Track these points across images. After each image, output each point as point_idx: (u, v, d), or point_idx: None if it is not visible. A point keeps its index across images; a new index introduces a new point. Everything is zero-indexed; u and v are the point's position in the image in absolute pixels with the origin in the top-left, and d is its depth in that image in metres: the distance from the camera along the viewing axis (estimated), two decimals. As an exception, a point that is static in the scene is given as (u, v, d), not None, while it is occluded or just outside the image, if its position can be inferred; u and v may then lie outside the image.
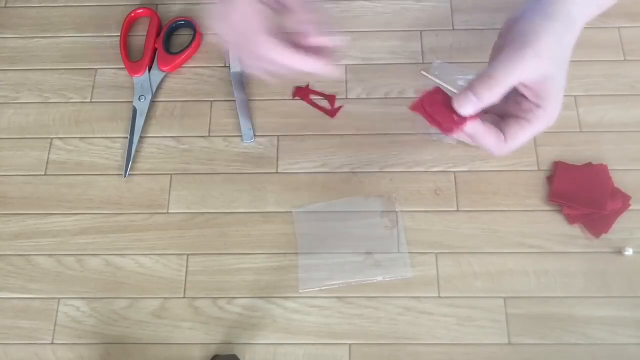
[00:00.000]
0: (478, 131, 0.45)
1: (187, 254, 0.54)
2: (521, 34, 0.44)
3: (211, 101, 0.61)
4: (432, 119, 0.45)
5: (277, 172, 0.57)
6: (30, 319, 0.53)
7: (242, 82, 0.61)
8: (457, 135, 0.45)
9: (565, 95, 0.45)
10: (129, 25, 0.64)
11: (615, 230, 0.53)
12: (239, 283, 0.53)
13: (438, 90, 0.46)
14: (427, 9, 0.64)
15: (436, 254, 0.53)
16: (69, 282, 0.54)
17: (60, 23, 0.65)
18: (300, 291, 0.53)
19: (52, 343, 0.52)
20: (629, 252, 0.52)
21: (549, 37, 0.43)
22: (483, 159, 0.56)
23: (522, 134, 0.46)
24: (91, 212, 0.56)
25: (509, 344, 0.50)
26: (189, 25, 0.63)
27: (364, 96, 0.60)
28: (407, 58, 0.62)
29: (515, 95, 0.46)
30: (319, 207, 0.56)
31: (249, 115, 0.59)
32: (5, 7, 0.66)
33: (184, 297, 0.53)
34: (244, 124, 0.59)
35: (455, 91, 0.55)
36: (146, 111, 0.60)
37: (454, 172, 0.56)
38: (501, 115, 0.48)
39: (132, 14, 0.64)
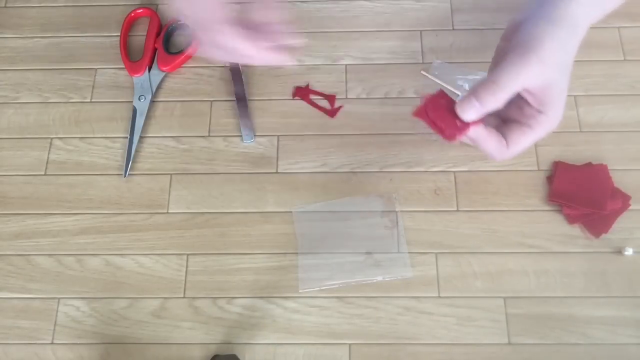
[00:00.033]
0: (480, 136, 0.45)
1: (187, 254, 0.54)
2: (525, 39, 0.44)
3: (211, 101, 0.61)
4: (435, 125, 0.45)
5: (277, 172, 0.57)
6: (30, 319, 0.53)
7: (242, 81, 0.61)
8: (459, 139, 0.45)
9: (565, 96, 0.45)
10: (129, 25, 0.64)
11: (615, 230, 0.53)
12: (239, 283, 0.53)
13: (442, 94, 0.46)
14: (427, 9, 0.64)
15: (436, 254, 0.54)
16: (69, 282, 0.54)
17: (60, 23, 0.65)
18: (300, 291, 0.53)
19: (52, 343, 0.52)
20: (629, 252, 0.52)
21: (552, 42, 0.43)
22: (483, 159, 0.56)
23: (523, 140, 0.46)
24: (91, 212, 0.56)
25: (509, 344, 0.50)
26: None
27: (364, 96, 0.60)
28: (407, 58, 0.62)
29: (517, 101, 0.46)
30: (319, 207, 0.56)
31: (249, 115, 0.59)
32: (5, 7, 0.66)
33: (184, 297, 0.53)
34: (244, 124, 0.59)
35: (455, 91, 0.56)
36: (146, 111, 0.60)
37: (454, 172, 0.56)
38: (503, 119, 0.48)
39: (132, 14, 0.64)
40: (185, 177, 0.57)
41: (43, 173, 0.58)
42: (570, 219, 0.54)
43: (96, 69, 0.63)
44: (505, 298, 0.52)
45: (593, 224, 0.53)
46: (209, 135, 0.59)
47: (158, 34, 0.63)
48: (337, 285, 0.53)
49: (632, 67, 0.60)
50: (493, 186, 0.56)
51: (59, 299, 0.53)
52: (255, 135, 0.59)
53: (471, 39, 0.62)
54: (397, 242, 0.54)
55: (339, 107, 0.60)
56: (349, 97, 0.60)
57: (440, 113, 0.45)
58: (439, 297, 0.52)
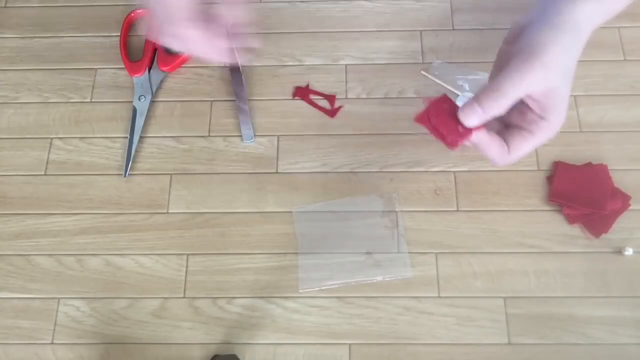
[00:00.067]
0: (483, 141, 0.45)
1: (187, 254, 0.54)
2: (528, 44, 0.43)
3: (211, 101, 0.61)
4: (436, 132, 0.45)
5: (277, 172, 0.57)
6: (30, 319, 0.53)
7: (242, 81, 0.61)
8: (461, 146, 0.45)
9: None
10: (129, 25, 0.64)
11: (615, 230, 0.53)
12: (239, 283, 0.53)
13: (444, 99, 0.46)
14: (427, 9, 0.64)
15: (436, 254, 0.54)
16: (69, 282, 0.54)
17: (60, 23, 0.65)
18: (300, 291, 0.53)
19: (52, 343, 0.52)
20: (629, 252, 0.52)
21: (556, 48, 0.43)
22: (483, 159, 0.56)
23: (525, 146, 0.46)
24: (91, 212, 0.56)
25: (509, 344, 0.50)
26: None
27: (364, 96, 0.60)
28: (407, 58, 0.62)
29: (519, 106, 0.45)
30: (319, 207, 0.56)
31: (249, 115, 0.59)
32: (5, 7, 0.66)
33: (184, 297, 0.53)
34: (244, 124, 0.59)
35: (455, 91, 0.56)
36: (146, 111, 0.60)
37: (454, 172, 0.56)
38: (504, 123, 0.48)
39: (132, 14, 0.64)
40: (185, 177, 0.57)
41: (43, 173, 0.58)
42: (570, 219, 0.54)
43: (96, 69, 0.63)
44: (505, 298, 0.52)
45: (593, 224, 0.53)
46: (209, 135, 0.59)
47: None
48: (337, 285, 0.53)
49: (632, 67, 0.60)
50: (493, 186, 0.56)
51: (59, 299, 0.53)
52: (255, 135, 0.59)
53: (471, 39, 0.62)
54: (397, 242, 0.54)
55: (339, 107, 0.60)
56: (349, 97, 0.60)
57: (442, 118, 0.45)
58: (439, 297, 0.52)
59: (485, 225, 0.54)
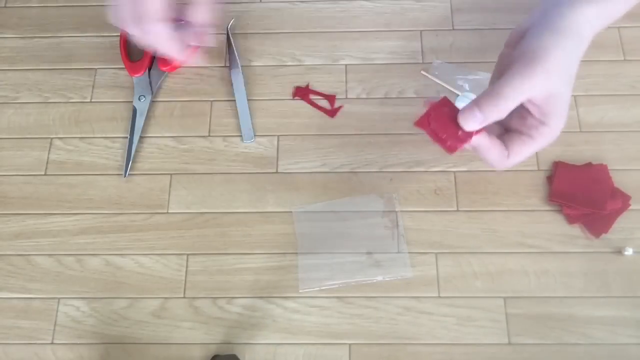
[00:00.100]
0: (483, 145, 0.45)
1: (187, 254, 0.54)
2: (530, 49, 0.43)
3: (211, 101, 0.61)
4: (436, 136, 0.45)
5: (277, 172, 0.57)
6: (30, 319, 0.53)
7: (242, 82, 0.61)
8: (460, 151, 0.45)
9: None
10: (129, 25, 0.64)
11: (615, 230, 0.53)
12: (239, 283, 0.53)
13: (445, 102, 0.46)
14: (427, 9, 0.64)
15: (436, 254, 0.54)
16: (69, 282, 0.54)
17: (60, 23, 0.65)
18: (300, 291, 0.53)
19: (52, 343, 0.52)
20: (629, 252, 0.52)
21: (558, 53, 0.43)
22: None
23: (524, 150, 0.46)
24: (91, 212, 0.56)
25: (509, 344, 0.50)
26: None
27: (364, 96, 0.60)
28: (407, 58, 0.62)
29: (520, 110, 0.45)
30: (319, 207, 0.56)
31: (249, 115, 0.59)
32: (5, 7, 0.66)
33: (184, 297, 0.53)
34: (244, 124, 0.59)
35: (455, 91, 0.56)
36: (146, 111, 0.60)
37: (454, 172, 0.56)
38: (504, 127, 0.48)
39: (132, 14, 0.64)
40: (185, 177, 0.57)
41: (43, 173, 0.58)
42: (570, 219, 0.54)
43: (96, 69, 0.63)
44: (505, 298, 0.52)
45: (593, 224, 0.53)
46: (209, 135, 0.59)
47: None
48: (337, 285, 0.53)
49: (632, 67, 0.60)
50: (493, 186, 0.56)
51: (59, 299, 0.53)
52: (255, 135, 0.59)
53: (471, 39, 0.62)
54: (397, 242, 0.54)
55: (339, 107, 0.60)
56: (349, 97, 0.60)
57: (442, 123, 0.45)
58: (439, 297, 0.52)
59: (485, 225, 0.54)
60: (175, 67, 0.62)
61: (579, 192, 0.54)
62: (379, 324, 0.51)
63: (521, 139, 0.46)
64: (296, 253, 0.54)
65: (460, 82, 0.59)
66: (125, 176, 0.57)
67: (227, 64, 0.62)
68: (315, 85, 0.61)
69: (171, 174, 0.58)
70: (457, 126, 0.44)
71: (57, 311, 0.53)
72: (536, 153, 0.56)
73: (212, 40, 0.56)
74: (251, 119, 0.59)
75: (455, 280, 0.53)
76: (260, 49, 0.63)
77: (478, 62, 0.60)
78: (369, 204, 0.55)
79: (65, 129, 0.60)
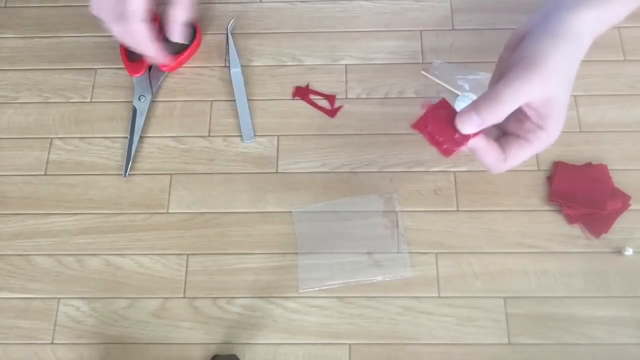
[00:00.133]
0: (480, 148, 0.45)
1: (187, 254, 0.54)
2: (529, 53, 0.43)
3: (211, 101, 0.61)
4: (433, 139, 0.45)
5: (277, 172, 0.57)
6: (30, 319, 0.53)
7: (242, 82, 0.61)
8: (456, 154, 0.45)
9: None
10: (129, 25, 0.64)
11: (615, 230, 0.53)
12: (239, 283, 0.53)
13: (443, 104, 0.46)
14: (427, 9, 0.64)
15: (436, 254, 0.54)
16: (69, 282, 0.54)
17: (60, 23, 0.65)
18: (300, 291, 0.53)
19: (52, 343, 0.52)
20: (629, 252, 0.52)
21: (557, 58, 0.43)
22: (483, 159, 0.56)
23: (521, 154, 0.46)
24: (91, 212, 0.56)
25: (509, 344, 0.50)
26: (189, 25, 0.63)
27: (364, 96, 0.60)
28: (407, 58, 0.62)
29: (518, 114, 0.45)
30: (319, 207, 0.56)
31: (249, 115, 0.59)
32: (5, 7, 0.66)
33: (184, 297, 0.53)
34: (244, 124, 0.59)
35: (455, 91, 0.56)
36: (146, 111, 0.60)
37: (454, 172, 0.56)
38: (502, 130, 0.48)
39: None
40: (185, 177, 0.57)
41: (43, 173, 0.58)
42: (570, 219, 0.54)
43: (96, 69, 0.63)
44: (505, 298, 0.52)
45: (593, 224, 0.53)
46: (209, 135, 0.59)
47: (158, 34, 0.62)
48: (337, 285, 0.53)
49: (632, 67, 0.60)
50: (493, 186, 0.56)
51: (59, 299, 0.53)
52: (255, 135, 0.59)
53: (471, 39, 0.62)
54: (397, 242, 0.54)
55: (339, 107, 0.60)
56: (349, 97, 0.60)
57: (439, 125, 0.45)
58: (439, 297, 0.52)
59: (485, 225, 0.54)
60: (175, 67, 0.62)
61: (579, 192, 0.54)
62: (379, 324, 0.51)
63: (518, 143, 0.46)
64: (296, 253, 0.54)
65: (460, 82, 0.59)
66: (125, 176, 0.57)
67: (227, 64, 0.62)
68: (315, 85, 0.61)
69: (171, 174, 0.58)
70: (454, 129, 0.44)
71: (57, 311, 0.53)
72: (536, 154, 0.56)
73: (187, 37, 0.60)
74: (251, 119, 0.59)
75: (455, 280, 0.53)
76: (260, 49, 0.63)
77: (478, 62, 0.60)
78: (369, 204, 0.55)
79: (65, 129, 0.60)
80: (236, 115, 0.59)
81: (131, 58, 0.62)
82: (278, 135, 0.59)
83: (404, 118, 0.58)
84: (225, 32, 0.63)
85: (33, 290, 0.54)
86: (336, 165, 0.57)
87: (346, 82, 0.61)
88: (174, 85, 0.62)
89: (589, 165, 0.56)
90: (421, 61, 0.61)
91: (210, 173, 0.57)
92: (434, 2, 0.64)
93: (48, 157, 0.59)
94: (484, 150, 0.45)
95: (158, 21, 0.63)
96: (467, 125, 0.44)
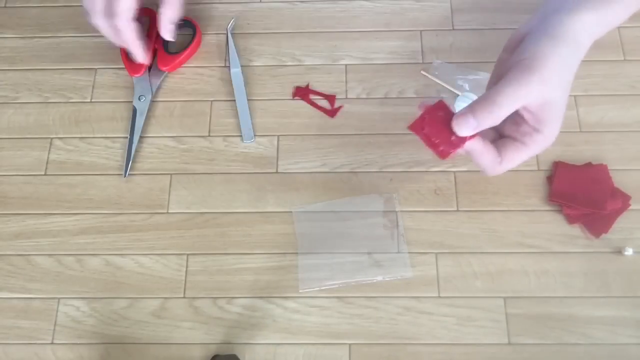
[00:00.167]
0: (476, 150, 0.45)
1: (187, 254, 0.54)
2: (527, 56, 0.43)
3: (211, 101, 0.61)
4: (429, 141, 0.45)
5: (277, 172, 0.57)
6: (30, 319, 0.53)
7: (242, 82, 0.61)
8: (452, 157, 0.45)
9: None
10: (129, 25, 0.64)
11: (615, 230, 0.53)
12: (239, 283, 0.53)
13: (441, 106, 0.46)
14: (427, 9, 0.64)
15: (436, 254, 0.54)
16: (69, 282, 0.54)
17: (60, 23, 0.65)
18: (300, 291, 0.53)
19: (52, 343, 0.52)
20: (629, 252, 0.52)
21: (555, 61, 0.42)
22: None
23: (517, 157, 0.46)
24: (91, 212, 0.56)
25: (509, 344, 0.50)
26: (189, 25, 0.63)
27: (364, 96, 0.60)
28: (407, 58, 0.62)
29: (514, 117, 0.45)
30: (319, 207, 0.56)
31: (249, 115, 0.59)
32: (5, 7, 0.66)
33: (184, 297, 0.53)
34: (244, 124, 0.59)
35: (455, 91, 0.56)
36: (146, 111, 0.60)
37: (454, 172, 0.56)
38: (499, 132, 0.48)
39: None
40: (185, 177, 0.57)
41: (43, 173, 0.58)
42: (570, 219, 0.54)
43: (96, 69, 0.63)
44: (505, 298, 0.52)
45: (593, 224, 0.53)
46: (209, 135, 0.59)
47: (158, 34, 0.63)
48: (337, 285, 0.53)
49: (632, 67, 0.60)
50: (493, 186, 0.56)
51: (59, 299, 0.53)
52: (255, 135, 0.59)
53: (471, 39, 0.62)
54: (397, 242, 0.54)
55: (339, 107, 0.60)
56: (349, 97, 0.60)
57: (436, 127, 0.45)
58: (439, 297, 0.52)
59: (485, 225, 0.54)
60: (175, 67, 0.62)
61: (579, 192, 0.54)
62: (379, 324, 0.51)
63: (515, 146, 0.46)
64: (296, 253, 0.54)
65: (460, 82, 0.59)
66: (125, 176, 0.57)
67: (227, 64, 0.62)
68: (315, 85, 0.61)
69: (171, 174, 0.58)
70: (451, 131, 0.44)
71: (57, 311, 0.53)
72: (536, 153, 0.56)
73: (174, 35, 0.60)
74: (251, 119, 0.59)
75: (455, 280, 0.53)
76: (260, 49, 0.63)
77: (478, 62, 0.60)
78: (369, 204, 0.55)
79: (65, 129, 0.60)
80: (236, 115, 0.59)
81: (131, 58, 0.62)
82: (278, 135, 0.59)
83: (404, 118, 0.58)
84: (225, 32, 0.63)
85: (33, 290, 0.54)
86: (336, 165, 0.57)
87: (346, 82, 0.61)
88: (174, 85, 0.62)
89: (589, 165, 0.56)
90: (421, 61, 0.61)
91: (210, 173, 0.57)
92: (434, 2, 0.64)
93: (48, 157, 0.59)
94: (480, 152, 0.45)
95: (154, 20, 0.63)
96: (463, 128, 0.44)
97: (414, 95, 0.59)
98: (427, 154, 0.57)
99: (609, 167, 0.55)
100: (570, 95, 0.58)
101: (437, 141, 0.45)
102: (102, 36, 0.62)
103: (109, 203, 0.57)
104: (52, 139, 0.60)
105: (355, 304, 0.52)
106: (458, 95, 0.58)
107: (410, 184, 0.56)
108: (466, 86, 0.59)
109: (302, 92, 0.60)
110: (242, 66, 0.61)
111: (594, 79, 0.59)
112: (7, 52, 0.64)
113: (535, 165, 0.56)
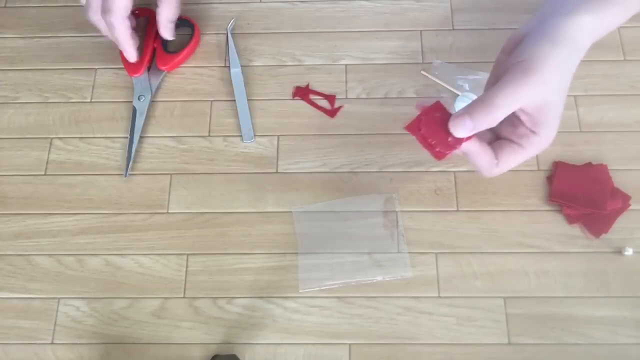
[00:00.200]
0: (473, 151, 0.45)
1: (187, 254, 0.54)
2: (525, 58, 0.43)
3: (211, 101, 0.61)
4: (426, 142, 0.45)
5: (277, 172, 0.57)
6: (30, 319, 0.53)
7: (242, 82, 0.61)
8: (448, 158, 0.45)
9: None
10: (128, 25, 0.64)
11: (615, 230, 0.53)
12: (239, 283, 0.53)
13: (438, 107, 0.46)
14: (427, 9, 0.64)
15: (436, 254, 0.54)
16: (69, 282, 0.54)
17: (60, 23, 0.65)
18: (300, 291, 0.53)
19: (52, 343, 0.52)
20: (629, 252, 0.52)
21: (552, 63, 0.42)
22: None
23: (514, 159, 0.46)
24: (91, 212, 0.56)
25: (509, 344, 0.50)
26: (188, 25, 0.63)
27: (364, 96, 0.60)
28: (407, 58, 0.62)
29: (511, 119, 0.45)
30: (319, 207, 0.56)
31: (249, 115, 0.59)
32: (5, 7, 0.66)
33: (184, 297, 0.53)
34: (244, 124, 0.59)
35: (455, 91, 0.56)
36: (146, 111, 0.60)
37: (454, 172, 0.56)
38: (495, 134, 0.48)
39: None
40: (185, 177, 0.57)
41: (43, 173, 0.58)
42: (570, 219, 0.54)
43: (96, 69, 0.63)
44: (505, 298, 0.52)
45: (593, 224, 0.53)
46: (209, 135, 0.59)
47: (157, 34, 0.63)
48: (337, 285, 0.53)
49: (632, 67, 0.60)
50: (493, 186, 0.56)
51: (59, 299, 0.53)
52: (255, 135, 0.59)
53: (471, 39, 0.62)
54: (397, 242, 0.54)
55: (339, 107, 0.60)
56: (349, 97, 0.60)
57: (433, 128, 0.45)
58: (439, 297, 0.52)
59: (485, 225, 0.54)
60: (174, 67, 0.62)
61: (579, 192, 0.54)
62: (379, 324, 0.51)
63: (511, 147, 0.46)
64: (296, 253, 0.54)
65: (460, 82, 0.59)
66: (125, 176, 0.57)
67: (227, 64, 0.62)
68: (315, 85, 0.61)
69: (171, 174, 0.58)
70: (448, 132, 0.44)
71: (57, 311, 0.53)
72: (536, 153, 0.56)
73: (173, 34, 0.61)
74: (251, 119, 0.59)
75: (455, 280, 0.53)
76: (260, 49, 0.63)
77: (478, 62, 0.60)
78: (369, 204, 0.55)
79: (65, 129, 0.60)
80: (236, 115, 0.59)
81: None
82: (278, 135, 0.59)
83: (404, 118, 0.58)
84: (225, 32, 0.63)
85: (33, 290, 0.54)
86: (336, 165, 0.57)
87: (346, 82, 0.61)
88: (173, 85, 0.62)
89: (589, 165, 0.56)
90: (421, 61, 0.61)
91: (210, 173, 0.57)
92: (434, 2, 0.64)
93: (48, 157, 0.59)
94: (477, 153, 0.45)
95: (153, 20, 0.63)
96: (460, 129, 0.43)
97: (414, 95, 0.60)
98: (427, 154, 0.57)
99: (609, 167, 0.55)
100: (570, 95, 0.59)
101: (433, 142, 0.45)
102: (102, 36, 0.62)
103: (109, 203, 0.57)
104: (52, 139, 0.60)
105: (355, 304, 0.52)
106: (458, 95, 0.58)
107: (410, 184, 0.56)
108: (466, 86, 0.59)
109: (302, 92, 0.60)
110: (242, 66, 0.61)
111: (594, 79, 0.59)
112: (7, 52, 0.64)
113: (535, 165, 0.56)
